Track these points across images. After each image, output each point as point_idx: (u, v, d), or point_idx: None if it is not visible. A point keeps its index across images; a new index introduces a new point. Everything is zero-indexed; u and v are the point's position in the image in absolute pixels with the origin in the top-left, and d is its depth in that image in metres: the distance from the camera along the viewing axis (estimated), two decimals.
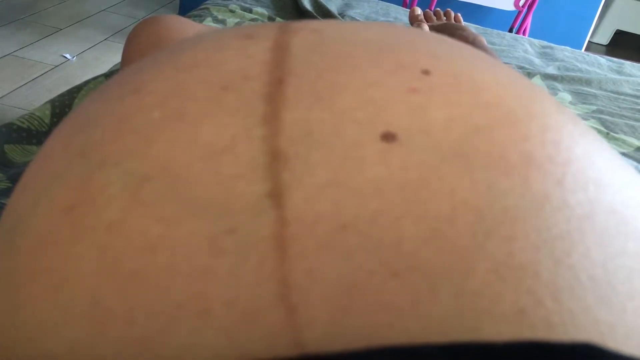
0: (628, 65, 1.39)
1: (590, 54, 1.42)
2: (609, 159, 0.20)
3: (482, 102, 0.19)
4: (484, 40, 1.05)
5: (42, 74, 1.89)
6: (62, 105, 0.69)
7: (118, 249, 0.16)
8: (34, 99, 1.74)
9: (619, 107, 1.10)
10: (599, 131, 0.98)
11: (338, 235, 0.15)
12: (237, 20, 1.16)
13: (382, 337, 0.15)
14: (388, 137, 0.17)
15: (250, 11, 1.23)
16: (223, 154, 0.17)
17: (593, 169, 0.19)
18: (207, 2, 1.26)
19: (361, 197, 0.16)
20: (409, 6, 2.15)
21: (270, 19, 1.22)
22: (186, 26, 0.58)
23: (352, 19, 1.35)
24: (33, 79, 1.85)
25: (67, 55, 2.04)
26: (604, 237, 0.17)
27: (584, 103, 1.10)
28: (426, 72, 0.19)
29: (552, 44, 1.46)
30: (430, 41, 0.23)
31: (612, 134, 0.97)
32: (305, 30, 0.22)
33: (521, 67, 1.22)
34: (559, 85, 1.17)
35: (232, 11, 1.19)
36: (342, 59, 0.20)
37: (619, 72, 1.33)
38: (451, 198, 0.16)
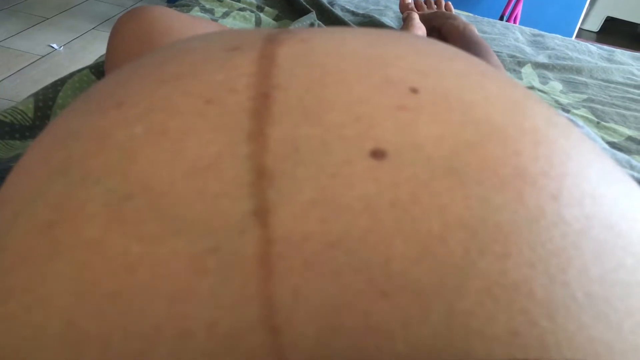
0: (618, 53, 1.39)
1: (581, 42, 1.42)
2: (605, 170, 0.20)
3: (471, 119, 0.18)
4: (474, 29, 1.05)
5: (29, 64, 1.86)
6: (46, 99, 0.68)
7: (96, 268, 0.16)
8: (20, 89, 1.72)
9: (609, 95, 1.10)
10: (590, 120, 0.97)
11: (325, 254, 0.15)
12: (224, 9, 1.15)
13: (370, 359, 0.14)
14: (377, 153, 0.17)
15: (239, 0, 1.21)
16: (206, 172, 0.16)
17: (589, 182, 0.18)
18: None
19: (350, 215, 0.15)
20: None
21: (259, 8, 1.21)
22: (173, 18, 0.57)
23: (342, 7, 1.34)
24: (20, 70, 1.82)
25: (54, 45, 2.02)
26: (600, 252, 0.17)
27: (574, 92, 1.10)
28: (414, 91, 0.19)
29: (543, 32, 1.46)
30: (418, 54, 0.22)
31: (602, 123, 0.97)
32: (293, 41, 0.22)
33: (512, 56, 1.22)
34: (549, 74, 1.16)
35: (220, 0, 1.17)
36: (329, 73, 0.19)
37: (610, 60, 1.33)
38: (443, 214, 0.16)
